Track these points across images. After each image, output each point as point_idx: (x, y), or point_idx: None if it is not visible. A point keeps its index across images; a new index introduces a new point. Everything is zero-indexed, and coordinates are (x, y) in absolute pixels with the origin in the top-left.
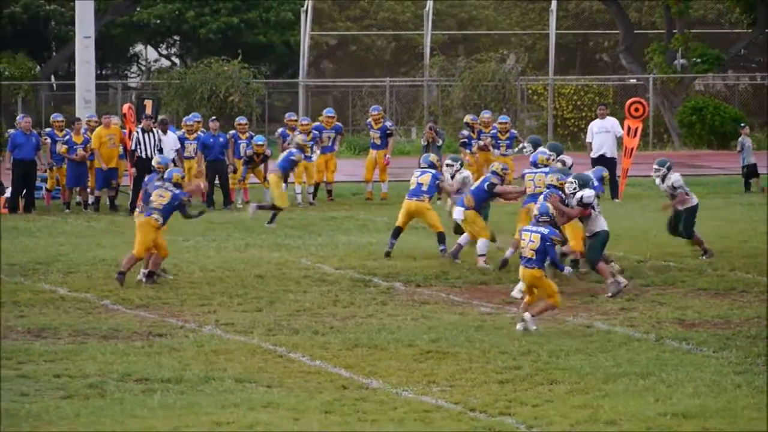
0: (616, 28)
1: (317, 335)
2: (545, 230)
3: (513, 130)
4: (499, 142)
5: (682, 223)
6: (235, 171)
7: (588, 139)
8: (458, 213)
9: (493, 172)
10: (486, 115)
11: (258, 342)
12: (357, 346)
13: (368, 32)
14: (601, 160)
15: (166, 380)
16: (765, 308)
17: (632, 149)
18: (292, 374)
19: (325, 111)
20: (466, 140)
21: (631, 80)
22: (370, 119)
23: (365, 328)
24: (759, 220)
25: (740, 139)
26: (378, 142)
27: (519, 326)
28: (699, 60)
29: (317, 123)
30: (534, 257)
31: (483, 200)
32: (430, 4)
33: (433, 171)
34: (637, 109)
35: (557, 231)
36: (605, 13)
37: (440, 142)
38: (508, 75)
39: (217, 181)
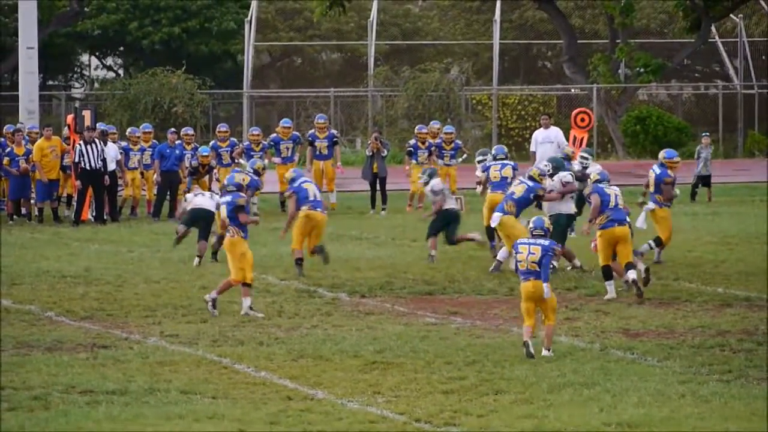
0: (559, 38)
1: (262, 346)
2: (545, 242)
3: (457, 141)
4: (443, 152)
5: (448, 231)
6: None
7: (532, 149)
8: (495, 219)
9: (530, 178)
10: (435, 125)
11: (203, 353)
12: (302, 357)
13: (312, 42)
14: None
15: (111, 392)
16: (710, 318)
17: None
18: (237, 385)
19: (281, 122)
20: (411, 149)
21: (575, 90)
22: (314, 130)
23: (310, 339)
24: (703, 230)
25: (699, 147)
26: (325, 151)
27: (545, 353)
28: (643, 69)
29: (274, 134)
30: (537, 269)
31: (525, 207)
32: (374, 15)
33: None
34: (583, 119)
35: (556, 242)
36: (549, 23)
37: (385, 152)
38: (452, 85)
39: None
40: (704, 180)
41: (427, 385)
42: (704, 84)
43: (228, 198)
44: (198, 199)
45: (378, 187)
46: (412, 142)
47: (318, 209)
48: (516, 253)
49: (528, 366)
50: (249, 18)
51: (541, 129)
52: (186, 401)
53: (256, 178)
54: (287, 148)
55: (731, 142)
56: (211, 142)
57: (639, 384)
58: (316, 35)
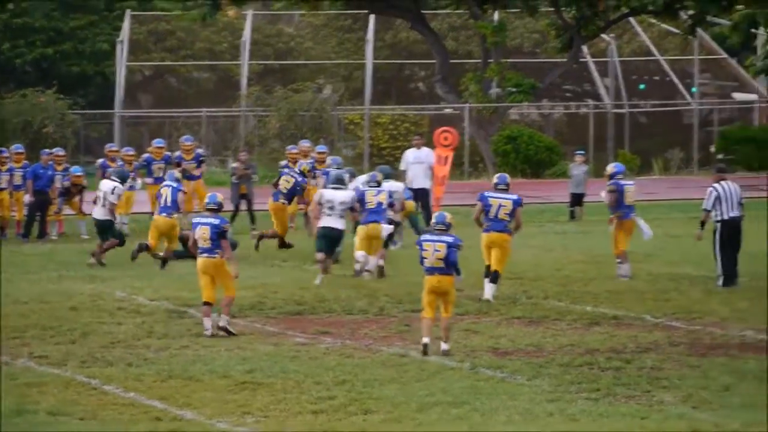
0: (432, 58)
1: (131, 367)
2: (450, 239)
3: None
4: (316, 171)
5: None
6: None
7: (402, 167)
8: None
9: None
10: (305, 144)
11: (72, 374)
12: (171, 378)
13: (185, 63)
14: (415, 191)
15: None
16: (578, 336)
17: (443, 177)
18: (106, 406)
19: (154, 142)
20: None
21: (447, 110)
22: (180, 152)
23: (180, 360)
24: (572, 248)
25: (571, 165)
26: (197, 173)
27: (444, 346)
28: (514, 89)
29: (147, 154)
30: (442, 265)
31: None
32: (247, 34)
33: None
34: (446, 138)
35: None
36: (422, 44)
37: (255, 176)
38: (324, 105)
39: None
40: (577, 198)
41: (297, 405)
42: (575, 103)
43: (215, 221)
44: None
45: (245, 208)
46: (284, 162)
47: (163, 214)
48: (421, 249)
49: (397, 385)
50: (121, 38)
51: (413, 149)
52: (54, 423)
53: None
54: (159, 168)
55: (601, 162)
56: (100, 160)
57: (508, 403)
58: (188, 55)
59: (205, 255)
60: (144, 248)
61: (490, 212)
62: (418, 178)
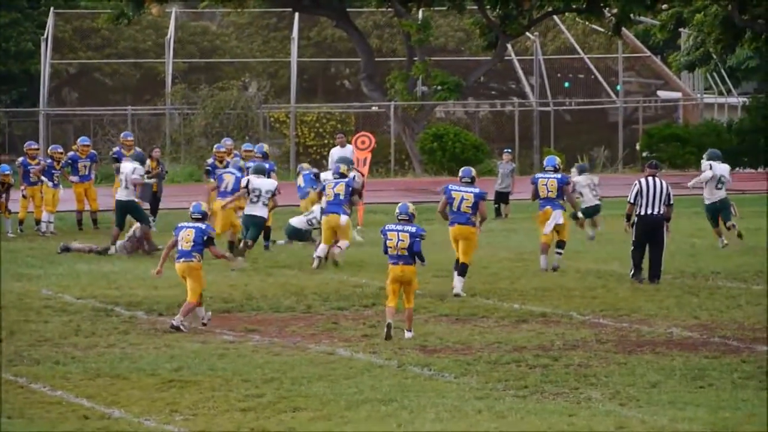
0: (357, 56)
1: (58, 365)
2: (413, 229)
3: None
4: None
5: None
6: None
7: (329, 166)
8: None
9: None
10: (228, 142)
11: None
12: (99, 376)
13: (110, 60)
14: None
15: None
16: (506, 334)
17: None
18: (33, 405)
19: (79, 140)
20: (209, 168)
21: (373, 107)
22: (120, 148)
23: (107, 358)
24: (499, 246)
25: (499, 164)
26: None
27: (407, 334)
28: (439, 87)
29: (72, 152)
30: (406, 254)
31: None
32: (171, 33)
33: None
34: (363, 142)
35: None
36: (347, 41)
37: (164, 174)
38: (250, 103)
39: None
40: (502, 196)
41: (225, 403)
42: (501, 101)
43: (201, 225)
44: None
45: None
46: (210, 160)
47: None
48: (385, 239)
49: (326, 383)
50: (45, 36)
51: (338, 147)
52: None
53: None
54: (85, 167)
55: (527, 159)
56: (20, 159)
57: (436, 400)
58: (113, 53)
59: (183, 259)
60: (66, 249)
61: (453, 205)
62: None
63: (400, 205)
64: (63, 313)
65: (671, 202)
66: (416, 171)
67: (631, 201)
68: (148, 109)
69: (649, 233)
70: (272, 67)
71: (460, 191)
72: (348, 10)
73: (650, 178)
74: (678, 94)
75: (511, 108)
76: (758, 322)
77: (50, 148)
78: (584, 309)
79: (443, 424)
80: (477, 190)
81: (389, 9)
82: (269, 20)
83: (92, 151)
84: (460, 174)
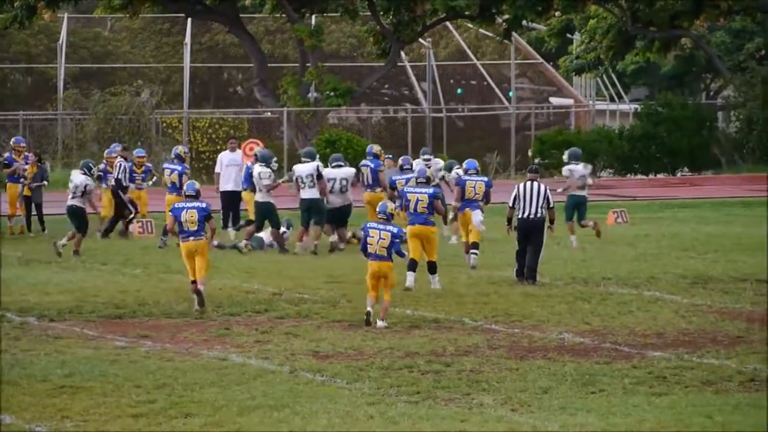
0: (250, 62)
1: None
2: (394, 229)
3: (148, 164)
4: (135, 175)
5: None
6: None
7: (217, 170)
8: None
9: None
10: (117, 148)
11: None
12: None
13: (1, 66)
14: (229, 193)
15: None
16: (398, 339)
17: None
18: None
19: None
20: (101, 174)
21: (266, 113)
22: (11, 154)
23: None
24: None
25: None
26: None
27: (380, 323)
28: (332, 93)
29: None
30: (385, 253)
31: None
32: (63, 37)
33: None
34: (252, 149)
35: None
36: (239, 47)
37: (45, 183)
38: (142, 108)
39: None
40: None
41: (117, 409)
42: (394, 107)
43: (201, 204)
44: None
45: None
46: (102, 166)
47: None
48: (367, 236)
49: (218, 389)
50: None
51: (227, 151)
52: None
53: None
54: None
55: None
56: None
57: (328, 406)
58: (5, 57)
59: (192, 238)
60: None
61: (410, 206)
62: (231, 181)
63: (379, 204)
64: None
65: (551, 205)
66: None
67: (511, 205)
68: (40, 114)
69: (527, 236)
70: (165, 72)
71: (415, 193)
72: (241, 15)
73: (529, 183)
74: (570, 101)
75: (404, 114)
76: (648, 328)
77: None
78: (476, 315)
79: (335, 430)
80: (431, 191)
81: (282, 15)
82: (162, 25)
83: None
84: (415, 174)
